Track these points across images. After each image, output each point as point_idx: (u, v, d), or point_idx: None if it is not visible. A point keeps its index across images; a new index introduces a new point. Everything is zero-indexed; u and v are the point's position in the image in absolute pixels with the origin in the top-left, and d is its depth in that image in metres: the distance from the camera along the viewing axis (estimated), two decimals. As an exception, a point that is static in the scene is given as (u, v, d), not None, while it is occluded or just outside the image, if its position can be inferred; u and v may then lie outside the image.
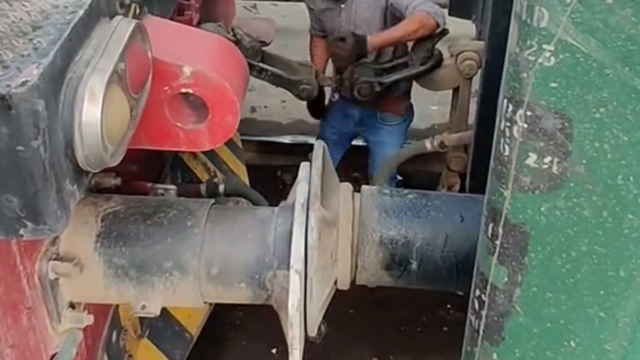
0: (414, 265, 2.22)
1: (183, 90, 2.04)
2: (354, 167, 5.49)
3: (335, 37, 4.42)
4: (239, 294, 2.21)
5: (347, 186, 2.35)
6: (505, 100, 1.43)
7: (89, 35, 1.73)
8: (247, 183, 4.79)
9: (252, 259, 2.17)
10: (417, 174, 5.70)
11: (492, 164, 1.54)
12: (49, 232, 1.63)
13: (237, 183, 4.57)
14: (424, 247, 2.21)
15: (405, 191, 2.36)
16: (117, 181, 2.36)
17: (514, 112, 1.40)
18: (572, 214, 1.45)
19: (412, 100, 4.91)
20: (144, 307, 2.21)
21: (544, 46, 1.30)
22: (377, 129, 4.95)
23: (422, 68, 4.17)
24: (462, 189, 4.38)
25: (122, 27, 1.79)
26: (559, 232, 1.47)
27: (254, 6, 7.58)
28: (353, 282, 2.30)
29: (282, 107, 6.70)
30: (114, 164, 1.78)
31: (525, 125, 1.39)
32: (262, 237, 2.19)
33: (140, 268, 2.15)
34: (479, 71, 3.85)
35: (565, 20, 1.26)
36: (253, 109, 6.70)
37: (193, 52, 2.13)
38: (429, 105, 6.54)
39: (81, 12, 1.70)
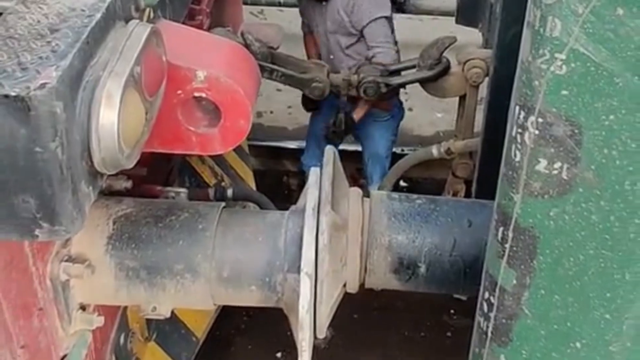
0: (422, 269, 2.24)
1: (196, 94, 2.05)
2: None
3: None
4: (249, 297, 2.23)
5: (357, 191, 2.37)
6: (517, 107, 1.45)
7: (106, 38, 1.75)
8: (254, 188, 4.81)
9: (262, 262, 2.19)
10: (422, 181, 5.73)
11: (502, 169, 1.56)
12: (64, 234, 1.64)
13: (245, 187, 4.58)
14: (432, 251, 2.23)
15: (414, 196, 2.38)
16: (128, 184, 2.36)
17: (526, 118, 1.43)
18: (580, 219, 1.46)
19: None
20: (154, 309, 2.23)
21: (556, 55, 1.32)
22: (365, 123, 5.00)
23: (430, 73, 4.18)
24: (467, 195, 4.40)
25: (138, 31, 1.80)
26: (567, 236, 1.49)
27: (261, 12, 7.59)
28: (362, 285, 2.32)
29: (288, 112, 6.71)
30: (129, 166, 1.79)
31: (537, 132, 1.41)
32: (273, 240, 2.21)
33: (152, 270, 2.16)
34: (486, 79, 3.87)
35: (577, 30, 1.28)
36: (259, 114, 6.71)
37: (206, 57, 2.14)
38: (435, 113, 6.56)
39: (98, 15, 1.71)
